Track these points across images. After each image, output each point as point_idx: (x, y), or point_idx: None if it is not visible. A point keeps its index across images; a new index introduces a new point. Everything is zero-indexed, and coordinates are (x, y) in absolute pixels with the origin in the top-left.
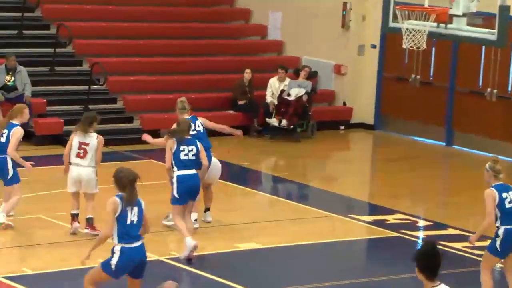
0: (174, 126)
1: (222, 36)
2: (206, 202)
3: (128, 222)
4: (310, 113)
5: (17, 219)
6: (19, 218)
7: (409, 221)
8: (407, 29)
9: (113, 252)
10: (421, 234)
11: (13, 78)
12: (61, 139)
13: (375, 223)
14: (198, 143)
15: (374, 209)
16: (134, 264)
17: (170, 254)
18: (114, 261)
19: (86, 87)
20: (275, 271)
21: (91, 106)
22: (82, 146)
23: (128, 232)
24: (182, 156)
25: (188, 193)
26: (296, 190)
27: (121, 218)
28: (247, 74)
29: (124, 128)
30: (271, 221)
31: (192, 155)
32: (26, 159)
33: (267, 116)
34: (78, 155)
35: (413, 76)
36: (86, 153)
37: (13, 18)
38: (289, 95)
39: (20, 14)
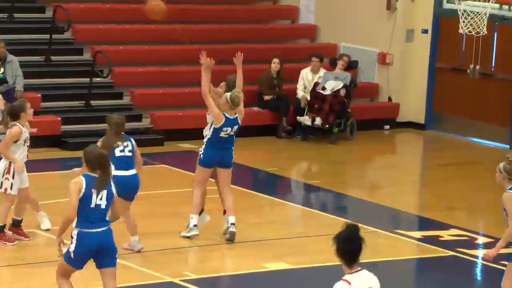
0: None
1: (246, 20)
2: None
3: (93, 205)
4: (349, 110)
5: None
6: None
7: (466, 238)
8: (465, 11)
9: (71, 238)
10: (480, 252)
11: (2, 69)
12: (59, 141)
13: (426, 239)
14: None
15: (425, 224)
16: (93, 250)
17: (184, 275)
18: (72, 247)
19: (88, 79)
20: None
21: (93, 102)
22: None
23: (89, 216)
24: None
25: None
26: (332, 201)
27: (83, 200)
28: (275, 64)
29: (132, 128)
30: (302, 237)
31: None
32: None
33: (298, 114)
34: None
35: (471, 66)
36: None
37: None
38: (324, 88)
39: None
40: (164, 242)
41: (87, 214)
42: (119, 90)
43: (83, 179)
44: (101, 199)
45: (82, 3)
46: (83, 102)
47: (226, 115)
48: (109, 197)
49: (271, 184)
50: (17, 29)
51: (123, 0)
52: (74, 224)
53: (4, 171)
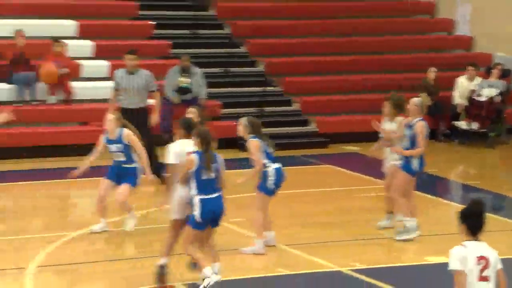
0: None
1: (403, 32)
2: None
3: (206, 177)
4: (504, 116)
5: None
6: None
7: None
8: None
9: (193, 205)
10: None
11: (188, 79)
12: (236, 143)
13: None
14: None
15: None
16: (214, 212)
17: (351, 265)
18: (197, 213)
19: (261, 88)
20: None
21: (266, 109)
22: None
23: (206, 186)
24: None
25: None
26: (492, 201)
27: (198, 173)
28: (432, 73)
29: (299, 132)
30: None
31: None
32: None
33: (454, 119)
34: None
35: None
36: None
37: (186, 17)
38: (480, 95)
39: (193, 13)
40: (328, 234)
41: (204, 184)
42: (288, 97)
43: (196, 156)
44: (212, 171)
45: (255, 20)
46: (257, 108)
47: None
48: (217, 168)
49: (433, 185)
50: (199, 44)
51: (289, 17)
52: (195, 194)
53: None
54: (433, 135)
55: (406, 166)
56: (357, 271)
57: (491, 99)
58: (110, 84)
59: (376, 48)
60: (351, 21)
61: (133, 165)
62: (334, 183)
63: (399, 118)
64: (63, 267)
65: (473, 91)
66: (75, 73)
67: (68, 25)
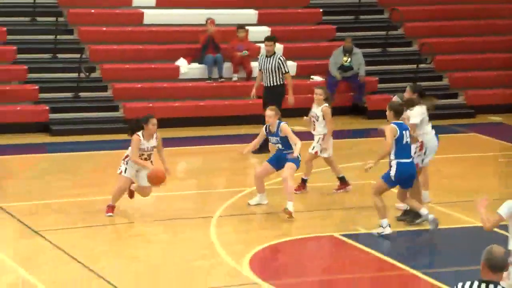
0: None
1: None
2: None
3: (404, 142)
4: None
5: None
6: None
7: None
8: None
9: (390, 166)
10: None
11: (349, 59)
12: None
13: None
14: None
15: None
16: (407, 176)
17: None
18: (393, 173)
19: (415, 66)
20: None
21: (419, 83)
22: None
23: (402, 151)
24: None
25: None
26: None
27: (398, 140)
28: None
29: (449, 104)
30: None
31: None
32: (358, 132)
33: None
34: None
35: None
36: None
37: (349, 4)
38: None
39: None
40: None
41: (402, 148)
42: (440, 74)
43: (396, 126)
44: (407, 137)
45: (411, 6)
46: (410, 83)
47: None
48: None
49: None
50: (361, 28)
51: (442, 2)
52: (392, 157)
53: None
54: None
55: None
56: None
57: None
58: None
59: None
60: (496, 6)
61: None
62: (478, 149)
63: None
64: (243, 216)
65: None
66: (255, 55)
67: (249, 14)
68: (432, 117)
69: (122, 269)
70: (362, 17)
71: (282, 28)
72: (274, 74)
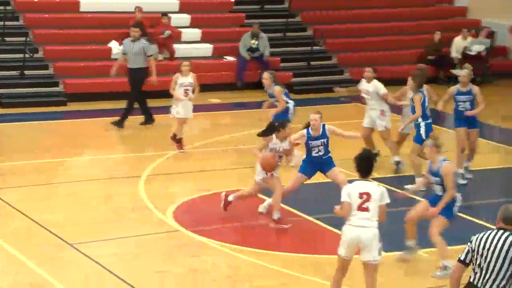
0: None
1: (419, 5)
2: None
3: (425, 107)
4: (488, 65)
5: None
6: None
7: None
8: None
9: (419, 128)
10: None
11: (257, 42)
12: (291, 88)
13: None
14: None
15: None
16: (431, 132)
17: None
18: (423, 132)
19: (309, 48)
20: None
21: (312, 63)
22: None
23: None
24: None
25: None
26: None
27: (423, 105)
28: (437, 35)
29: (338, 79)
30: None
31: None
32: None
33: (452, 68)
34: None
35: None
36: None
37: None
38: (470, 51)
39: None
40: None
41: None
42: (330, 54)
43: (421, 94)
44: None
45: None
46: (305, 63)
47: None
48: None
49: None
50: (265, 16)
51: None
52: (420, 120)
53: None
54: (434, 80)
55: None
56: None
57: (479, 53)
58: (203, 46)
59: (396, 17)
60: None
61: (329, 155)
62: (359, 116)
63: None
64: (168, 175)
65: (465, 47)
66: (177, 38)
67: (172, 3)
68: (323, 90)
69: (68, 218)
70: (266, 6)
71: (200, 16)
72: (138, 57)
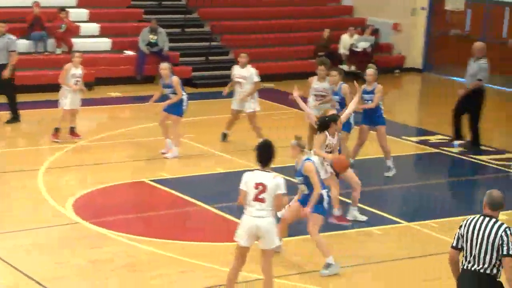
0: None
1: (308, 4)
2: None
3: None
4: (373, 61)
5: None
6: None
7: (446, 141)
8: None
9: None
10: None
11: (155, 37)
12: (190, 82)
13: (420, 142)
14: None
15: (420, 132)
16: None
17: None
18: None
19: (207, 43)
20: None
21: (210, 58)
22: None
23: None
24: None
25: None
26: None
27: None
28: (326, 32)
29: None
30: None
31: None
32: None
33: (340, 63)
34: None
35: (453, 31)
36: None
37: None
38: (356, 47)
39: None
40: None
41: None
42: (227, 50)
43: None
44: None
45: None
46: (204, 58)
47: None
48: None
49: None
50: (164, 11)
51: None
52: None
53: None
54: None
55: None
56: None
57: (364, 50)
58: (102, 40)
59: (288, 15)
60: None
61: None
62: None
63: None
64: (67, 168)
65: (352, 44)
66: (75, 33)
67: None
68: (220, 85)
69: None
70: (164, 3)
71: (98, 11)
72: (1, 53)
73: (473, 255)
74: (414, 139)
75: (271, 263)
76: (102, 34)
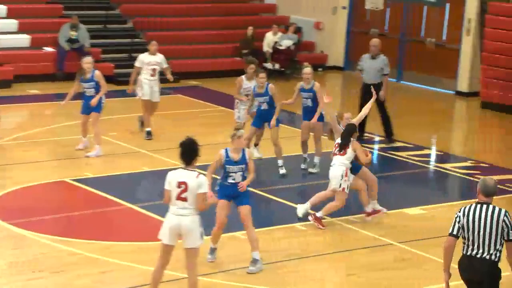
0: None
1: (231, 0)
2: None
3: None
4: (296, 59)
5: None
6: None
7: (366, 137)
8: None
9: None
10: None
11: (76, 33)
12: (113, 79)
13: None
14: None
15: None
16: None
17: None
18: None
19: (130, 40)
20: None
21: (133, 55)
22: None
23: None
24: None
25: None
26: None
27: None
28: (250, 30)
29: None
30: None
31: None
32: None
33: (264, 61)
34: None
35: (372, 29)
36: None
37: None
38: (280, 45)
39: None
40: None
41: None
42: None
43: None
44: None
45: None
46: (127, 54)
47: None
48: None
49: None
50: (84, 7)
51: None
52: None
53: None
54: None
55: None
56: None
57: (288, 48)
58: (20, 36)
59: (214, 13)
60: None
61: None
62: (182, 107)
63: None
64: None
65: (276, 42)
66: None
67: None
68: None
69: None
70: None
71: (17, 6)
72: None
73: (477, 243)
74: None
75: (195, 261)
76: (21, 30)
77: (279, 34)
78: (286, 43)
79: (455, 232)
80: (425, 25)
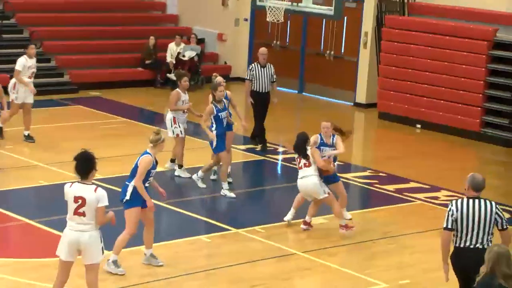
0: None
1: (130, 9)
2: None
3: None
4: (200, 70)
5: None
6: None
7: (272, 149)
8: (270, 6)
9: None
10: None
11: None
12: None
13: (247, 150)
14: None
15: (247, 140)
16: None
17: None
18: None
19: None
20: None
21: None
22: None
23: None
24: None
25: None
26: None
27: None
28: (152, 40)
29: (56, 82)
30: None
31: None
32: None
33: (167, 72)
34: None
35: (274, 42)
36: None
37: None
38: (183, 56)
39: None
40: None
41: None
42: (49, 57)
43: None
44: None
45: None
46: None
47: None
48: None
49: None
50: None
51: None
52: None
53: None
54: (152, 83)
55: None
56: None
57: (191, 59)
58: None
59: (114, 22)
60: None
61: None
62: (82, 118)
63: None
64: None
65: (179, 53)
66: None
67: None
68: (42, 93)
69: None
70: None
71: None
72: None
73: (470, 235)
74: (242, 147)
75: (96, 277)
76: None
77: (182, 45)
78: (189, 54)
79: (449, 226)
80: (324, 38)
